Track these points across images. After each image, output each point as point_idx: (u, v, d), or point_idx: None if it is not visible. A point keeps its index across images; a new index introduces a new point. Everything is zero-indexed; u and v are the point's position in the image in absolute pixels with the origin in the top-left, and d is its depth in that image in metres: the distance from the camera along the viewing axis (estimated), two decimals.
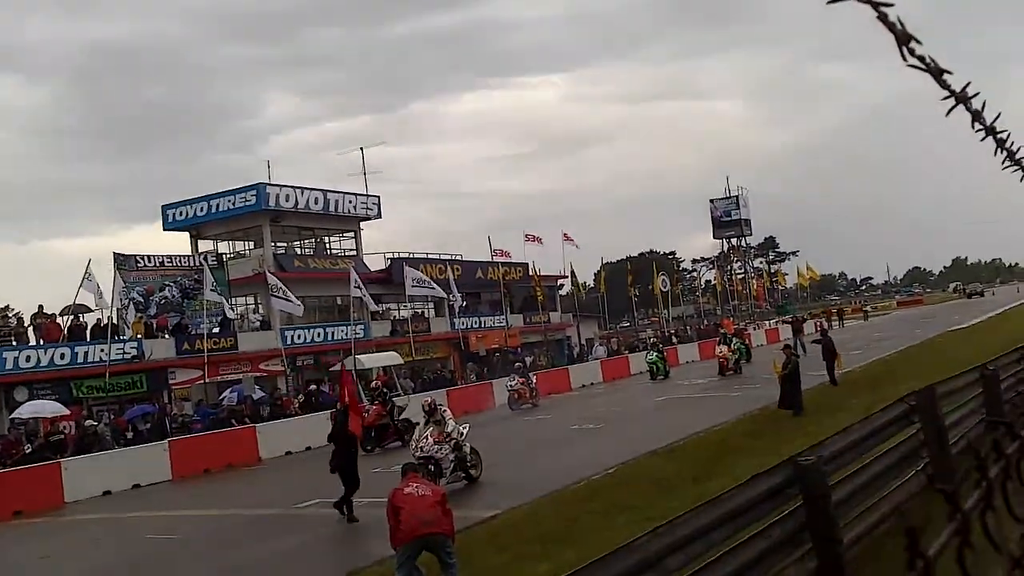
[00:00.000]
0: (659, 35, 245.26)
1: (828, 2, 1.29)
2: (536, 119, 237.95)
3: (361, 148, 55.58)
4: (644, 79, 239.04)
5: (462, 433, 18.17)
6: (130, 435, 28.60)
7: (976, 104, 1.46)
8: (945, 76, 1.40)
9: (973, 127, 1.50)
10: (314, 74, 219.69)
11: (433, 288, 45.15)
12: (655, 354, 42.36)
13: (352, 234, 50.75)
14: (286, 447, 28.71)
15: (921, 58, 1.34)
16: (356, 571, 11.92)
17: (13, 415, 28.25)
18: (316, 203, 46.68)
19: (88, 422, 28.61)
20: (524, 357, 46.24)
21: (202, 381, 35.09)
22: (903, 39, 1.31)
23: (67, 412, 28.78)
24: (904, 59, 1.32)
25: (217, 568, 13.69)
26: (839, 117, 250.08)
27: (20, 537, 19.43)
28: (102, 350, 31.78)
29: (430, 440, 17.51)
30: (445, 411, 18.53)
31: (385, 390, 29.24)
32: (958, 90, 1.44)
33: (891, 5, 1.27)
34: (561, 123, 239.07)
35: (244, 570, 13.49)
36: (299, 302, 37.88)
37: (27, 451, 25.58)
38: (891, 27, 1.29)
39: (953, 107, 1.45)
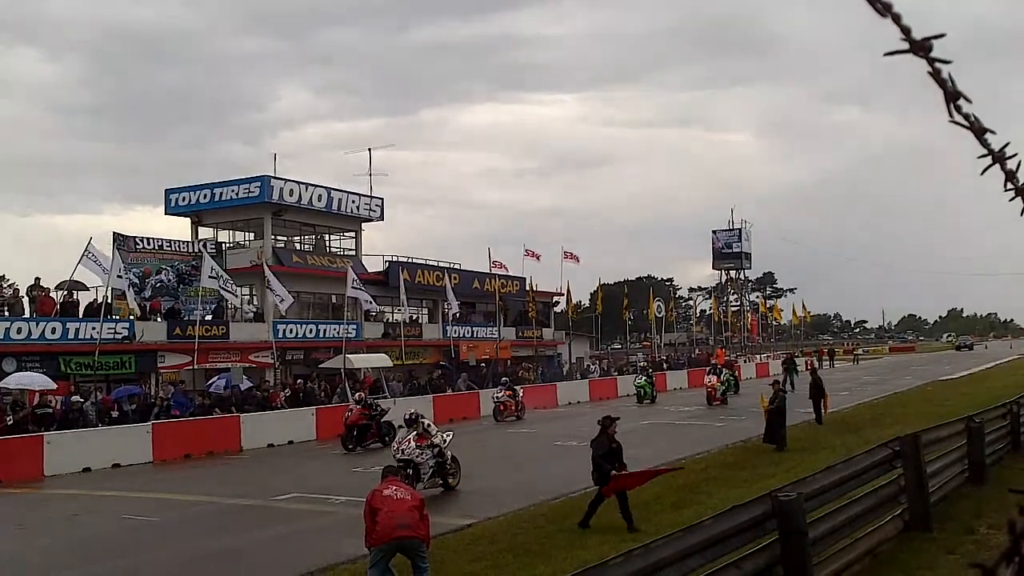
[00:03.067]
0: (674, 64, 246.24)
1: (886, 54, 1.33)
2: (545, 136, 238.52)
3: (369, 149, 55.70)
4: (656, 105, 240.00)
5: (445, 440, 18.08)
6: (115, 414, 28.52)
7: (1011, 165, 1.49)
8: (987, 135, 1.43)
9: (1005, 187, 1.51)
10: (328, 73, 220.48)
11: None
12: (644, 378, 42.52)
13: (353, 234, 50.80)
14: (269, 439, 28.68)
15: (966, 116, 1.37)
16: (329, 567, 11.92)
17: (0, 385, 28.18)
18: (319, 200, 46.72)
19: (75, 398, 28.56)
20: (510, 370, 46.36)
21: (191, 367, 35.05)
22: (952, 96, 1.33)
23: (55, 386, 28.71)
24: (951, 115, 1.34)
25: (191, 555, 13.68)
26: (848, 159, 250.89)
27: None
28: (93, 328, 31.72)
29: (412, 444, 17.42)
30: (428, 423, 18.36)
31: (369, 400, 29.02)
32: (996, 149, 1.46)
33: (949, 62, 1.31)
34: (570, 142, 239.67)
35: (218, 559, 13.48)
36: (287, 296, 37.70)
37: (9, 423, 25.50)
38: (942, 84, 1.31)
39: (989, 166, 1.47)
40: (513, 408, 34.97)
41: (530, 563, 11.30)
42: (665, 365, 60.78)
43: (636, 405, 39.16)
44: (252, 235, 46.77)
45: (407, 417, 18.48)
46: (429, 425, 18.28)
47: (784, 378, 40.76)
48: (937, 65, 1.31)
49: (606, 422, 14.68)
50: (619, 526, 13.12)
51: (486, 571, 11.09)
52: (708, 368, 42.97)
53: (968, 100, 1.35)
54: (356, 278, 39.36)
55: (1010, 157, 1.47)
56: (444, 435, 18.37)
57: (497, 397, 35.38)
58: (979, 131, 1.41)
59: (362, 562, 10.52)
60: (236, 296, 37.04)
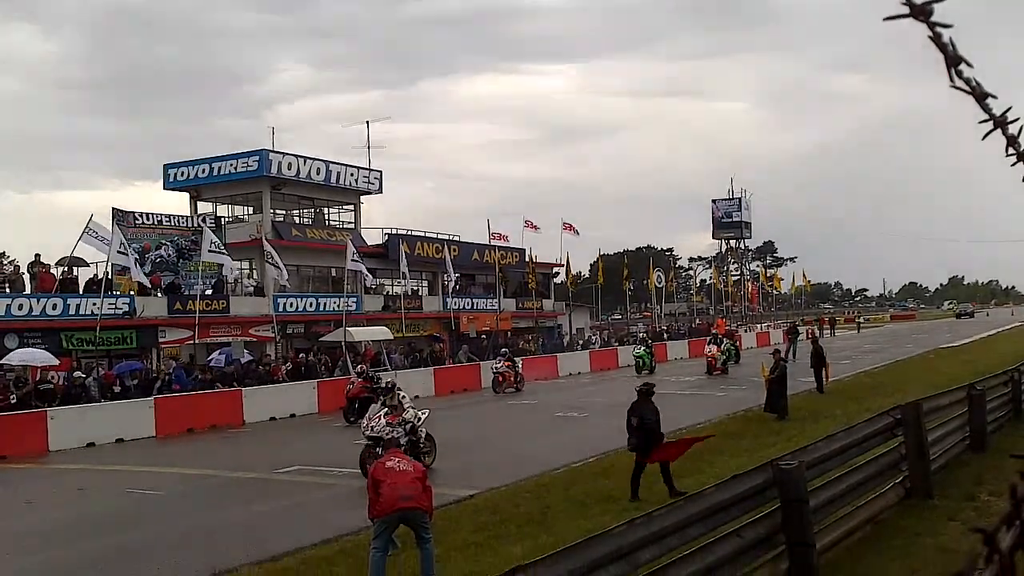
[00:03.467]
0: (673, 33, 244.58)
1: (885, 19, 1.31)
2: (544, 107, 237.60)
3: (367, 122, 55.31)
4: (655, 75, 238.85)
5: (420, 418, 17.37)
6: (117, 389, 28.60)
7: (1012, 130, 1.47)
8: (988, 100, 1.41)
9: (1007, 152, 1.50)
10: (327, 46, 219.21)
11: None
12: (643, 348, 42.36)
13: (352, 207, 50.69)
14: (271, 412, 28.76)
15: (968, 80, 1.35)
16: (333, 539, 11.99)
17: (3, 361, 28.23)
18: (318, 173, 46.59)
19: (77, 374, 28.65)
20: (510, 341, 46.16)
21: (192, 341, 35.10)
22: (953, 61, 1.31)
23: (57, 362, 28.78)
24: (952, 80, 1.32)
25: (196, 527, 13.76)
26: (847, 128, 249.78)
27: (4, 481, 19.50)
28: (94, 304, 31.75)
29: (382, 421, 16.70)
30: (404, 395, 17.49)
31: (371, 372, 28.78)
32: (998, 114, 1.45)
33: (950, 27, 1.29)
34: (569, 112, 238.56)
35: (222, 531, 13.56)
36: (285, 271, 37.57)
37: (12, 401, 25.56)
38: (943, 48, 1.30)
39: (990, 131, 1.45)
40: (512, 379, 35.01)
41: (532, 533, 11.36)
42: (666, 335, 60.91)
43: (635, 375, 38.98)
44: (251, 209, 46.70)
45: (384, 385, 18.05)
46: (404, 398, 17.43)
47: (787, 347, 40.82)
48: (938, 30, 1.29)
49: (648, 388, 14.38)
50: (619, 496, 13.18)
51: (488, 541, 11.15)
52: (708, 338, 42.59)
53: (969, 65, 1.34)
54: (355, 251, 39.30)
55: (1011, 122, 1.46)
56: (419, 412, 17.63)
57: (496, 368, 35.40)
58: (980, 96, 1.39)
59: (366, 533, 10.57)
60: (232, 271, 36.82)
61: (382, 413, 16.96)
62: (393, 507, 9.40)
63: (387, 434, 15.81)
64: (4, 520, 15.45)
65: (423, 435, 17.44)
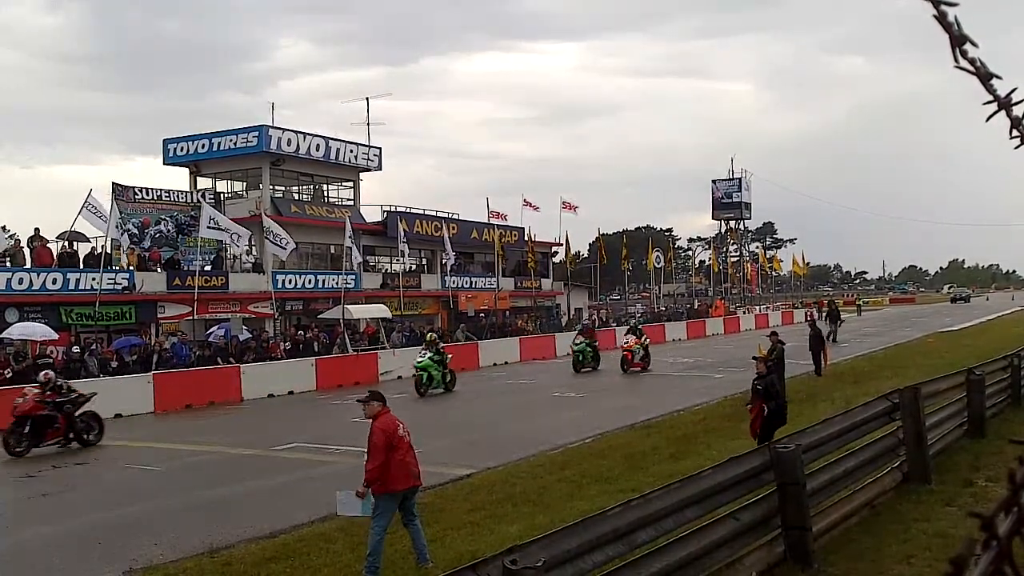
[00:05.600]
0: (676, 13, 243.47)
1: None
2: (545, 85, 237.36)
3: (367, 98, 55.14)
4: (657, 55, 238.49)
5: None
6: (114, 365, 28.60)
7: (1017, 111, 1.44)
8: (992, 81, 1.38)
9: (1011, 134, 1.47)
10: (329, 22, 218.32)
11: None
12: (583, 340, 33.14)
13: (351, 184, 50.59)
14: (269, 389, 28.76)
15: (972, 61, 1.32)
16: (329, 516, 11.98)
17: (3, 335, 28.23)
18: (317, 150, 46.49)
19: (75, 349, 28.63)
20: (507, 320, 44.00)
21: (191, 317, 35.08)
22: (958, 41, 1.29)
23: (56, 337, 28.79)
24: (956, 60, 1.30)
25: (193, 503, 13.77)
26: (849, 109, 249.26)
27: (4, 455, 19.49)
28: (93, 279, 31.74)
29: None
30: None
31: (59, 381, 20.19)
32: (1002, 95, 1.42)
33: (955, 5, 1.26)
34: (570, 91, 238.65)
35: (219, 507, 13.57)
36: (290, 242, 37.01)
37: (7, 375, 25.52)
38: (948, 27, 1.27)
39: (995, 113, 1.42)
40: None
41: (529, 513, 11.36)
42: (665, 317, 61.00)
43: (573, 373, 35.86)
44: (250, 185, 46.58)
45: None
46: None
47: (829, 328, 38.86)
48: (943, 8, 1.26)
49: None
50: (615, 477, 13.20)
51: (484, 521, 11.14)
52: (628, 329, 35.70)
53: (974, 44, 1.31)
54: (351, 233, 39.12)
55: (1016, 103, 1.43)
56: None
57: None
58: (985, 77, 1.36)
59: None
60: (242, 236, 36.02)
61: None
62: (406, 484, 9.23)
63: None
64: (2, 494, 15.48)
65: None
